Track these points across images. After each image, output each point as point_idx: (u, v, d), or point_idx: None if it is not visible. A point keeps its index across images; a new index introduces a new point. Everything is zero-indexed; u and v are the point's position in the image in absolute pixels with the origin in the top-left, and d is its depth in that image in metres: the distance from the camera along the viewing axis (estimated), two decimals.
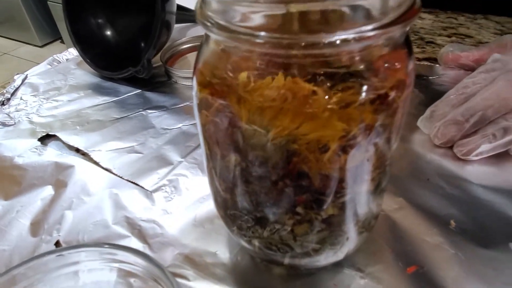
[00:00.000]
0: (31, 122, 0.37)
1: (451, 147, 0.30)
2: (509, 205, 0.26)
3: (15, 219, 0.27)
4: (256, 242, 0.21)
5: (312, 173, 0.16)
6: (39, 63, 0.47)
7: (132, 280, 0.20)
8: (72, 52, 0.49)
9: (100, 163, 0.32)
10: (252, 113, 0.16)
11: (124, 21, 0.46)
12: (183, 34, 0.51)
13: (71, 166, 0.31)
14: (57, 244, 0.26)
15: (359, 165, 0.17)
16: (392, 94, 0.15)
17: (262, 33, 0.14)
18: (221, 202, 0.21)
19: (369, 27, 0.14)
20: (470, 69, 0.37)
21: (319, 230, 0.18)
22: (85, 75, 0.45)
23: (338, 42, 0.13)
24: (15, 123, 0.37)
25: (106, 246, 0.21)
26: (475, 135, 0.29)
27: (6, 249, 0.25)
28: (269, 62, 0.15)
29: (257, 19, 0.14)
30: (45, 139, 0.35)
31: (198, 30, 0.53)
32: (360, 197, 0.19)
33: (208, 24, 0.15)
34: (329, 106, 0.14)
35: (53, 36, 1.86)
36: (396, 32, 0.14)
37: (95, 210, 0.28)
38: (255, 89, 0.15)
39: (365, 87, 0.15)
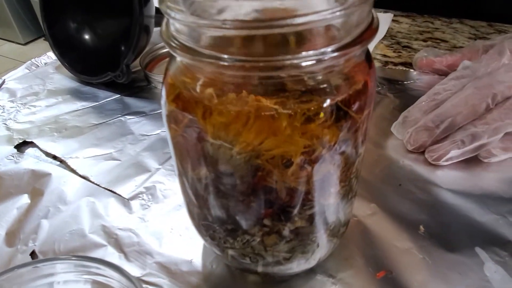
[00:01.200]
0: (8, 129, 0.37)
1: (423, 153, 0.31)
2: (476, 210, 0.27)
3: None
4: (229, 252, 0.21)
5: (277, 187, 0.17)
6: (22, 61, 0.46)
7: None
8: (51, 56, 0.48)
9: (77, 171, 0.32)
10: (217, 129, 0.16)
11: (104, 25, 0.45)
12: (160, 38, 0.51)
13: (48, 174, 0.31)
14: (33, 254, 0.26)
15: (325, 177, 0.17)
16: (354, 109, 0.16)
17: (225, 56, 0.14)
18: (194, 213, 0.22)
19: (329, 48, 0.14)
20: (443, 74, 0.38)
21: (288, 240, 0.19)
22: (63, 79, 0.44)
23: (299, 64, 0.14)
24: None
25: (81, 258, 0.21)
26: (445, 141, 0.29)
27: None
28: (233, 80, 0.15)
29: (221, 41, 0.15)
30: (22, 146, 0.35)
31: None
32: (328, 207, 0.19)
33: (173, 44, 0.16)
34: (291, 123, 0.15)
35: (36, 33, 1.83)
36: (356, 51, 0.15)
37: (71, 219, 0.28)
38: (219, 106, 0.16)
39: (326, 104, 0.15)
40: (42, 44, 1.81)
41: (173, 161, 0.21)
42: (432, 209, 0.27)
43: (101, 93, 0.42)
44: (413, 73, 0.41)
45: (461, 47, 0.45)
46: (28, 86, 0.43)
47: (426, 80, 0.39)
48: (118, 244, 0.26)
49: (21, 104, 0.41)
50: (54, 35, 0.44)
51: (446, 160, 0.29)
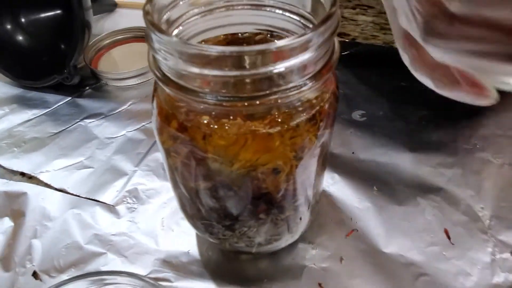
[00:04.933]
0: None
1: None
2: (414, 165, 0.32)
3: None
4: (226, 242, 0.25)
5: (270, 190, 0.20)
6: None
7: None
8: None
9: (52, 185, 0.32)
10: (216, 149, 0.19)
11: (35, 23, 0.43)
12: (100, 27, 0.49)
13: (23, 193, 0.31)
14: (35, 274, 0.27)
15: (307, 172, 0.21)
16: (328, 113, 0.19)
17: (208, 95, 0.16)
18: (191, 214, 0.25)
19: (303, 81, 0.17)
20: None
21: (279, 226, 0.23)
22: (3, 86, 0.42)
23: (278, 97, 0.16)
24: None
25: (94, 275, 0.23)
26: None
27: None
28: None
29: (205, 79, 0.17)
30: None
31: (114, 20, 0.51)
32: (309, 193, 0.23)
33: (160, 76, 0.18)
34: (282, 141, 0.18)
35: None
36: (326, 76, 0.18)
37: (62, 234, 0.29)
38: (217, 131, 0.18)
39: (307, 118, 0.18)
40: None
41: (167, 172, 0.23)
42: (380, 171, 0.32)
43: (50, 97, 0.41)
44: (349, 42, 0.45)
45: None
46: None
47: (363, 49, 0.44)
48: (116, 250, 0.28)
49: None
50: None
51: None
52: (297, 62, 0.16)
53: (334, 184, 0.31)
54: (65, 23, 0.41)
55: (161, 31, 0.17)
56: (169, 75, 0.18)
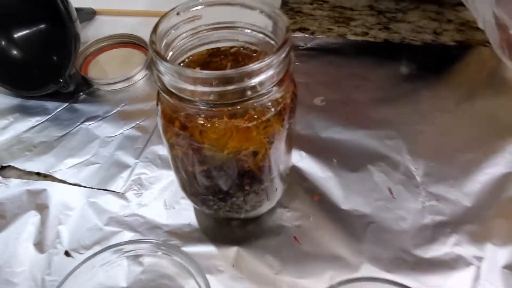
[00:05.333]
0: None
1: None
2: (365, 140, 0.40)
3: (18, 245, 0.33)
4: (220, 211, 0.32)
5: (252, 168, 0.27)
6: None
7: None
8: None
9: (67, 181, 0.38)
10: (210, 141, 0.25)
11: (27, 38, 0.47)
12: (84, 35, 0.53)
13: (43, 190, 0.37)
14: (67, 253, 0.33)
15: (278, 151, 0.28)
16: (291, 106, 0.26)
17: (201, 103, 0.23)
18: (190, 192, 0.31)
19: (272, 87, 0.24)
20: None
21: (261, 195, 0.30)
22: (3, 97, 0.47)
23: (253, 102, 0.23)
24: None
25: (115, 246, 0.30)
26: None
27: (26, 269, 0.32)
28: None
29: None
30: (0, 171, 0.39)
31: (95, 27, 0.55)
32: (281, 168, 0.30)
33: (164, 90, 0.24)
34: (258, 131, 0.25)
35: None
36: (283, 87, 0.25)
37: (83, 220, 0.35)
38: (209, 128, 0.25)
39: (275, 113, 0.25)
40: None
41: (170, 161, 0.30)
42: (338, 146, 0.40)
43: (49, 104, 0.46)
44: (309, 36, 0.51)
45: (340, 6, 0.57)
46: None
47: (320, 42, 0.51)
48: (130, 227, 0.34)
49: None
50: None
51: None
52: (265, 77, 0.23)
53: (301, 160, 0.39)
54: (55, 35, 0.46)
55: (164, 59, 0.23)
56: (171, 89, 0.24)
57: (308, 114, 0.43)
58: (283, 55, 0.23)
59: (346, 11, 0.57)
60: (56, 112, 0.45)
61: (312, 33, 0.53)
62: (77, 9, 0.50)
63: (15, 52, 0.47)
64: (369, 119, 0.42)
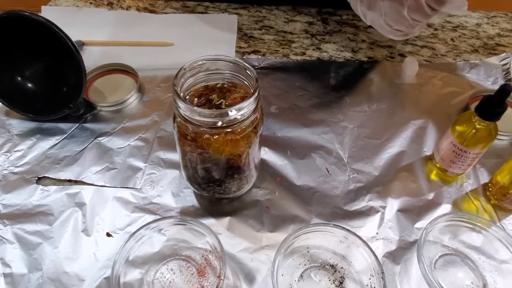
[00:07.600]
0: (14, 174, 0.51)
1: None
2: (309, 135, 0.57)
3: (69, 232, 0.46)
4: (215, 194, 0.47)
5: (238, 163, 0.42)
6: None
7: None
8: None
9: (95, 183, 0.51)
10: (213, 149, 0.40)
11: (37, 73, 0.58)
12: None
13: (78, 192, 0.50)
14: (108, 234, 0.46)
15: (254, 153, 0.44)
16: (259, 126, 0.42)
17: (205, 127, 0.38)
18: (194, 181, 0.46)
19: (243, 118, 0.39)
20: None
21: (243, 180, 0.45)
22: (21, 122, 0.57)
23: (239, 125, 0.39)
24: (1, 179, 0.51)
25: (145, 226, 0.44)
26: None
27: (80, 248, 0.45)
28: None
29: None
30: (38, 181, 0.51)
31: (85, 57, 0.67)
32: (256, 161, 0.46)
33: (181, 116, 0.38)
34: (244, 141, 0.40)
35: None
36: (257, 112, 0.40)
37: (113, 210, 0.48)
38: (212, 140, 0.40)
39: (253, 127, 0.41)
40: None
41: (180, 161, 0.45)
42: (290, 141, 0.56)
43: (62, 125, 0.57)
44: (261, 58, 0.67)
45: (282, 30, 0.73)
46: None
47: (270, 62, 0.67)
48: (151, 211, 0.48)
49: (6, 152, 0.54)
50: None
51: None
52: (246, 110, 0.38)
53: (265, 154, 0.55)
54: (61, 67, 0.57)
55: (182, 100, 0.37)
56: (185, 116, 0.39)
57: (267, 120, 0.59)
58: (256, 94, 0.39)
59: (287, 35, 0.73)
60: (70, 131, 0.57)
61: (263, 55, 0.69)
62: (76, 42, 0.61)
63: (29, 85, 0.58)
64: (310, 120, 0.59)
